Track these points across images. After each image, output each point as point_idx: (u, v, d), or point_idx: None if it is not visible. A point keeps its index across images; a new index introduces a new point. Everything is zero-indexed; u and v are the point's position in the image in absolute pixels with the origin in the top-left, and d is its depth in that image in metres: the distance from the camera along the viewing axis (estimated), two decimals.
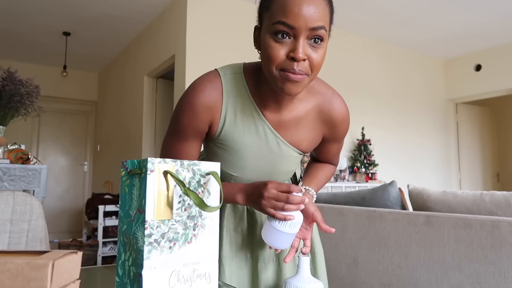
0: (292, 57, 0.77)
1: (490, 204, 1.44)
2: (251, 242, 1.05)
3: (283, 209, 0.84)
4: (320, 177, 1.08)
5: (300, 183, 1.05)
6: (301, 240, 0.96)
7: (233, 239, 1.04)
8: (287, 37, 0.78)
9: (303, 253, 0.91)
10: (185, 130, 0.92)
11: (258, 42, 0.87)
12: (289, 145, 0.97)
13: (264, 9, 0.83)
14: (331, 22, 0.83)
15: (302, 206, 0.85)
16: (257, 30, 0.88)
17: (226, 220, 1.04)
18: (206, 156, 1.05)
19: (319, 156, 1.11)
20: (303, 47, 0.77)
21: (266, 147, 0.95)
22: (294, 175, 1.15)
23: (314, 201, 0.99)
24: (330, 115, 0.97)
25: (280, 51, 0.78)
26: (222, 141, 0.94)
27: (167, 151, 0.97)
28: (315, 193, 1.02)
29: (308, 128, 0.97)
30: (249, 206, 0.97)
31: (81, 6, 4.18)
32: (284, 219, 0.84)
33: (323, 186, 1.17)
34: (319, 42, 0.79)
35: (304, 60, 0.78)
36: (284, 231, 0.86)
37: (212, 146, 0.98)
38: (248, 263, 1.04)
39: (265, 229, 0.90)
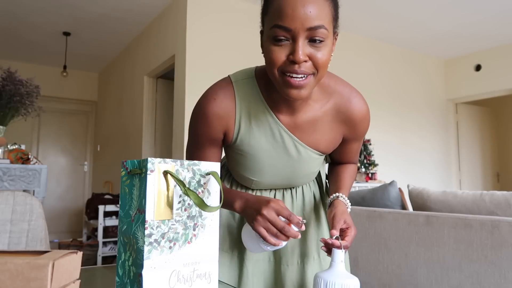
0: (292, 60, 0.76)
1: (490, 204, 1.44)
2: None
3: (275, 235, 0.80)
4: (347, 181, 1.04)
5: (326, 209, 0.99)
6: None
7: None
8: (285, 40, 0.76)
9: (338, 247, 0.80)
10: (201, 138, 0.93)
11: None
12: (307, 147, 0.94)
13: (264, 14, 0.82)
14: (335, 18, 0.80)
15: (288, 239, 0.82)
16: (262, 34, 0.86)
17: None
18: (227, 162, 1.05)
19: (340, 157, 1.07)
20: (303, 49, 0.75)
21: (283, 150, 0.94)
22: (319, 175, 1.13)
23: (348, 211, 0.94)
24: (348, 115, 0.94)
25: (281, 54, 0.76)
26: (239, 147, 0.94)
27: (190, 157, 0.98)
28: (348, 201, 0.97)
29: (326, 129, 0.94)
30: (242, 215, 0.92)
31: (81, 6, 4.18)
32: (274, 245, 0.80)
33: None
34: (320, 42, 0.76)
35: (305, 61, 0.76)
36: (264, 248, 0.84)
37: (230, 152, 0.98)
38: (271, 265, 1.03)
39: (248, 233, 0.86)
